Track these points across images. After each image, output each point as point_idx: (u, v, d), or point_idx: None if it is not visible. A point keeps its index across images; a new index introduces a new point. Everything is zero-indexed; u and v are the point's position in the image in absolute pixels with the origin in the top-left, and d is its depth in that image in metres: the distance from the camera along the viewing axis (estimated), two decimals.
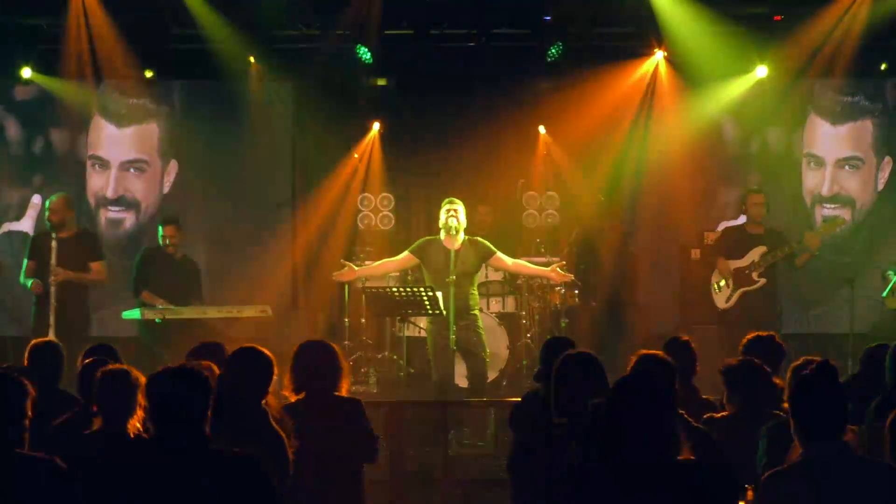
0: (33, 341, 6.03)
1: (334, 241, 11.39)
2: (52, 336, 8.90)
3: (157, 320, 9.34)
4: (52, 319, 9.16)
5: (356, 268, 9.13)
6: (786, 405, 4.13)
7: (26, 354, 5.80)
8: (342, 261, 9.24)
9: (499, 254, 8.88)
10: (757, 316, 9.47)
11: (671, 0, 10.53)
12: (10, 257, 11.14)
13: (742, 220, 10.11)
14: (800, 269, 9.90)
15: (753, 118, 11.54)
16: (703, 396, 5.71)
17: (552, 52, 10.95)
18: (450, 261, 8.55)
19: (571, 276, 9.31)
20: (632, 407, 3.44)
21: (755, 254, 9.74)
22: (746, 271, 9.74)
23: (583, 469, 3.48)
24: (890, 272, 9.99)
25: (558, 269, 9.04)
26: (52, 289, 9.25)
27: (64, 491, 3.71)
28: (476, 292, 8.92)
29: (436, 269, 8.70)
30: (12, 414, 3.71)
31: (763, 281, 9.73)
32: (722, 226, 11.35)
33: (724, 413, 5.21)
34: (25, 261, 9.66)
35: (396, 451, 7.97)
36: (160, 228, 9.82)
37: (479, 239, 8.92)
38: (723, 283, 9.83)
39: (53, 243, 9.33)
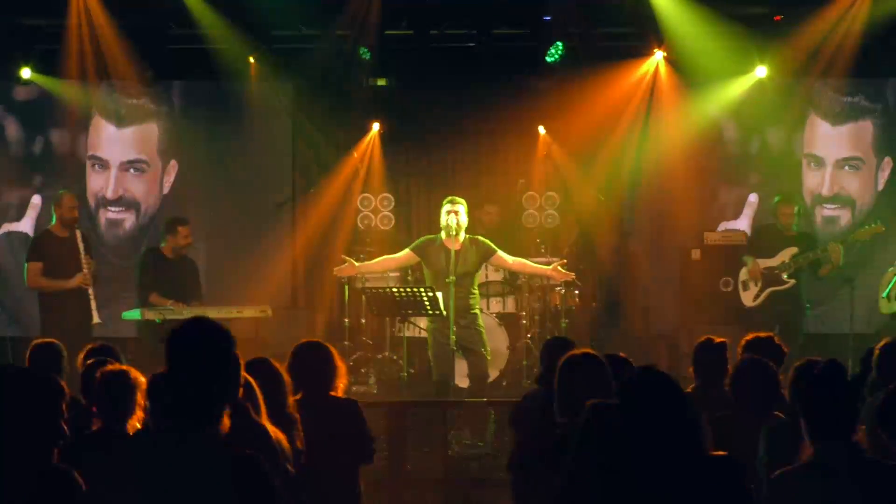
0: (35, 342, 5.99)
1: (334, 242, 11.37)
2: (97, 320, 8.94)
3: (157, 320, 9.32)
4: (93, 305, 9.15)
5: (357, 264, 9.12)
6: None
7: (27, 355, 5.77)
8: (343, 256, 9.24)
9: (500, 252, 8.88)
10: (783, 316, 9.45)
11: (671, 0, 10.53)
12: (11, 257, 11.14)
13: (743, 221, 10.08)
14: (822, 278, 9.88)
15: (753, 118, 11.54)
16: None
17: (552, 52, 10.96)
18: (450, 261, 8.54)
19: (573, 275, 9.29)
20: (650, 402, 3.43)
21: (786, 254, 9.72)
22: (776, 271, 9.72)
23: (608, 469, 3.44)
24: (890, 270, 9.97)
25: (559, 267, 9.04)
26: (90, 278, 9.22)
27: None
28: (476, 292, 8.91)
29: (436, 268, 8.70)
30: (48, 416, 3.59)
31: (793, 282, 9.72)
32: (722, 226, 11.35)
33: (725, 412, 5.19)
34: (27, 264, 9.36)
35: (396, 451, 7.97)
36: (180, 229, 9.69)
37: (480, 238, 8.91)
38: (750, 281, 9.81)
39: (79, 233, 9.32)
